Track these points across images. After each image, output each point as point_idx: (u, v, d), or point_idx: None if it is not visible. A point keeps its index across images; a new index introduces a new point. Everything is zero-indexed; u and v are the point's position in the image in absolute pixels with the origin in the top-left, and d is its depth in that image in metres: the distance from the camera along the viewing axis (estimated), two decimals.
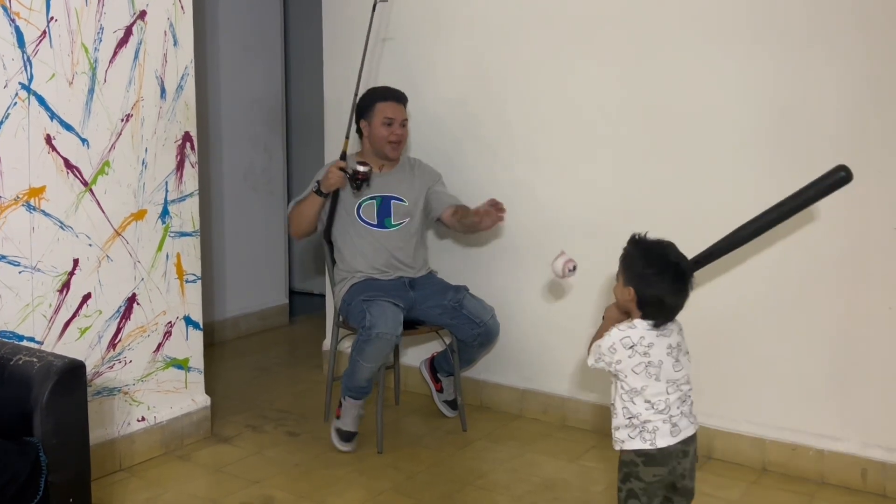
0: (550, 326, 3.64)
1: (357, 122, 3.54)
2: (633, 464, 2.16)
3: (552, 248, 3.55)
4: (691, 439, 2.18)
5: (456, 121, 3.80)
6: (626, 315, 2.23)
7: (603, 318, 2.30)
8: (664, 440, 2.13)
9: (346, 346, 4.11)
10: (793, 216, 2.37)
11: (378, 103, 3.50)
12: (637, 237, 2.23)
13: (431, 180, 3.60)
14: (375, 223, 3.50)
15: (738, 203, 3.13)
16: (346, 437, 3.34)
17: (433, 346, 3.84)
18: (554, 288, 3.61)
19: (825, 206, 2.95)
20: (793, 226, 3.04)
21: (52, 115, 2.82)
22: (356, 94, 3.53)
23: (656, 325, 2.14)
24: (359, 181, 3.36)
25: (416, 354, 3.99)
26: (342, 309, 3.49)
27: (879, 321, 2.95)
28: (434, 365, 3.76)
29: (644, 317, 2.14)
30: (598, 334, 2.23)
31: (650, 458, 2.13)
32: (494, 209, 3.29)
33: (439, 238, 3.89)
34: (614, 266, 3.62)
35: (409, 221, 3.53)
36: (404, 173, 3.58)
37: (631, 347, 2.12)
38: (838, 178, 2.26)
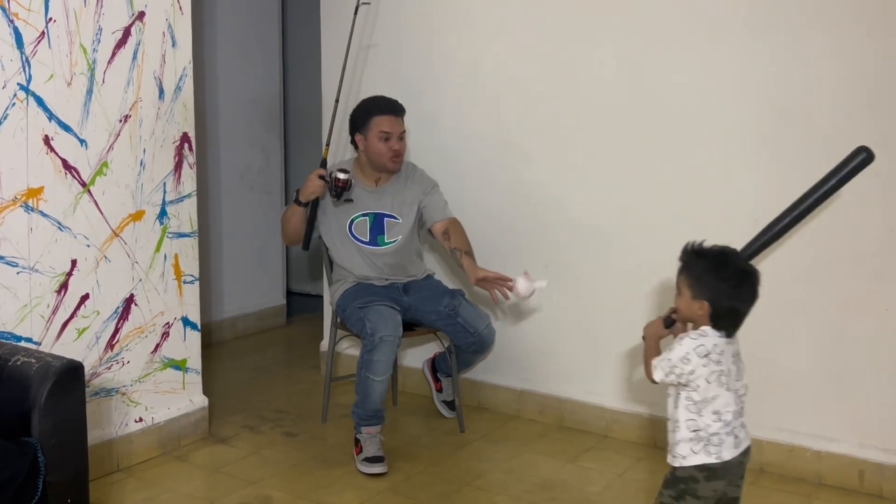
0: (548, 327, 3.65)
1: (351, 135, 3.45)
2: (692, 480, 2.10)
3: (549, 248, 3.58)
4: (748, 450, 2.15)
5: (452, 121, 3.80)
6: (668, 330, 2.19)
7: (643, 337, 2.26)
8: (729, 452, 2.08)
9: (345, 346, 4.12)
10: (822, 203, 2.37)
11: (374, 117, 3.36)
12: (698, 247, 2.15)
13: (424, 191, 3.49)
14: (368, 241, 3.44)
15: (737, 202, 3.14)
16: (374, 460, 3.14)
17: (434, 347, 3.84)
18: (552, 289, 3.61)
19: (822, 206, 2.96)
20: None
21: (51, 116, 2.82)
22: (336, 101, 3.46)
23: (729, 335, 2.10)
24: (339, 188, 3.28)
25: (415, 355, 4.00)
26: (338, 312, 3.49)
27: (876, 322, 2.96)
28: (434, 365, 3.77)
29: (716, 328, 2.08)
30: (649, 353, 2.18)
31: (712, 472, 2.08)
32: (501, 285, 3.19)
33: (438, 245, 3.88)
34: (612, 265, 3.62)
35: (403, 238, 3.46)
36: (398, 186, 3.47)
37: (706, 356, 2.06)
38: (861, 159, 2.27)
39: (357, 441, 3.22)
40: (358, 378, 3.21)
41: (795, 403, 3.10)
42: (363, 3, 3.51)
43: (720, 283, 2.07)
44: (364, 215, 3.44)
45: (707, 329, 2.09)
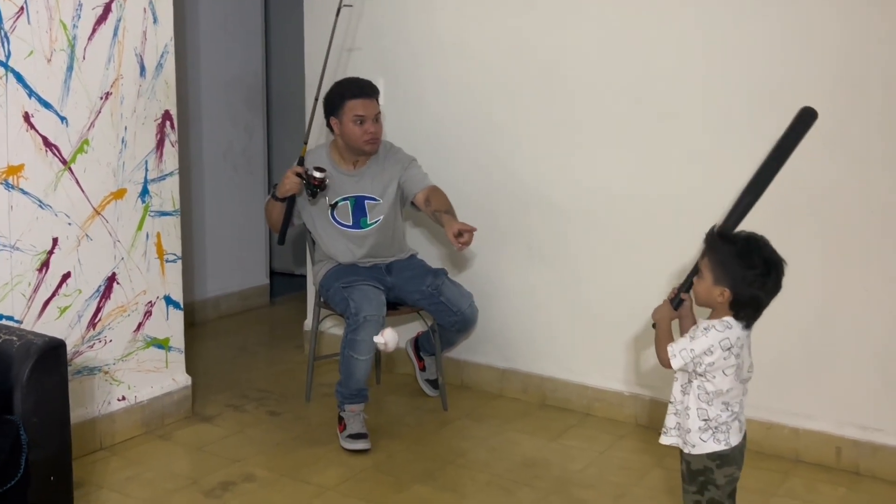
0: (531, 307, 3.66)
1: (326, 118, 3.42)
2: (708, 470, 2.10)
3: (532, 230, 3.59)
4: (746, 434, 2.17)
5: (439, 106, 3.78)
6: (677, 312, 2.17)
7: (654, 325, 2.20)
8: (736, 437, 2.09)
9: (328, 325, 4.12)
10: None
11: (347, 101, 3.32)
12: (724, 232, 2.10)
13: (402, 167, 3.46)
14: (351, 224, 3.43)
15: (720, 184, 3.16)
16: (358, 437, 3.18)
17: (417, 326, 3.85)
18: (534, 269, 3.63)
19: (804, 187, 2.98)
20: (770, 207, 3.06)
21: (31, 93, 2.79)
22: (316, 99, 3.41)
23: (748, 326, 2.08)
24: (314, 188, 3.25)
25: (398, 334, 3.99)
26: (321, 292, 3.49)
27: (855, 301, 2.99)
28: (418, 344, 3.78)
29: (737, 317, 2.06)
30: (664, 338, 2.14)
31: (724, 459, 2.09)
32: (466, 236, 3.12)
33: (421, 221, 3.89)
34: (595, 246, 3.63)
35: (385, 217, 3.44)
36: (377, 167, 3.44)
37: (728, 349, 2.04)
38: (810, 118, 2.30)
39: (340, 419, 3.24)
40: (342, 357, 3.22)
41: (773, 381, 3.13)
42: (345, 6, 3.47)
43: (745, 271, 2.02)
44: (345, 199, 3.43)
45: (731, 321, 2.05)
